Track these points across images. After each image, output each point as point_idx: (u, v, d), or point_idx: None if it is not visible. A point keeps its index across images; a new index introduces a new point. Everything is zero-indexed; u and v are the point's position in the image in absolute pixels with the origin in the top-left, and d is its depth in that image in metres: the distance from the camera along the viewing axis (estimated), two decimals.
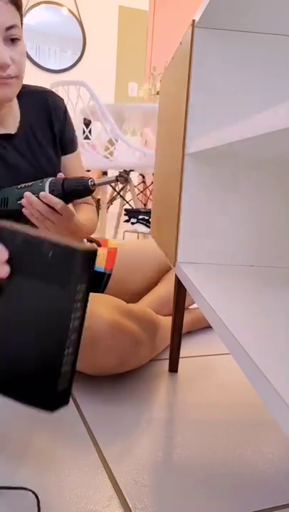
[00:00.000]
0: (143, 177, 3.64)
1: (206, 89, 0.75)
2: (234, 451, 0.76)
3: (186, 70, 0.74)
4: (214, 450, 0.76)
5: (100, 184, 0.94)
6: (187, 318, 1.23)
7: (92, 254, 0.59)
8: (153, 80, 3.18)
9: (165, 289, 1.21)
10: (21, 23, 0.87)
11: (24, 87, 0.96)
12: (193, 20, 0.72)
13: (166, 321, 1.13)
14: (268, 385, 0.35)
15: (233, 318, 0.50)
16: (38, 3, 4.23)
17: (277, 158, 0.78)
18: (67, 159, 1.10)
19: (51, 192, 0.87)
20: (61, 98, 1.08)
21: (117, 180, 0.94)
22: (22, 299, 0.63)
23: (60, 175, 0.90)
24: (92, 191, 0.90)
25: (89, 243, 1.21)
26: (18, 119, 1.00)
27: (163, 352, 1.12)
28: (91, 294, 0.99)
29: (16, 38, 0.84)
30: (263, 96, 0.76)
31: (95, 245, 1.03)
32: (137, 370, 1.02)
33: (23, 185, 0.91)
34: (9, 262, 0.63)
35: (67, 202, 0.88)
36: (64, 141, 1.08)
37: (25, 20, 0.90)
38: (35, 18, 4.24)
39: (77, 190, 0.88)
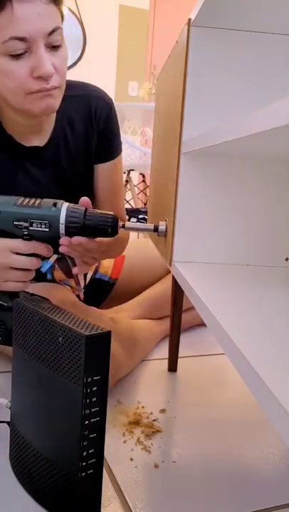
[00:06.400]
0: (143, 176, 3.63)
1: (202, 87, 0.75)
2: (234, 451, 0.76)
3: (182, 69, 0.74)
4: (214, 450, 0.76)
5: (131, 229, 0.78)
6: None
7: (104, 339, 0.54)
8: (153, 79, 3.18)
9: (161, 288, 1.20)
10: (62, 19, 0.76)
11: (67, 86, 0.82)
12: (189, 19, 0.71)
13: (147, 331, 1.12)
14: (262, 384, 0.35)
15: (228, 317, 0.50)
16: None
17: (274, 157, 0.77)
18: (100, 167, 0.96)
19: (69, 223, 0.69)
20: (108, 98, 0.95)
21: (154, 230, 0.78)
22: (38, 387, 0.59)
23: (85, 201, 0.72)
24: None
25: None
26: (52, 128, 0.89)
27: (162, 351, 1.11)
28: (77, 308, 0.94)
29: (58, 45, 0.74)
30: (258, 94, 0.76)
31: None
32: (136, 370, 1.02)
33: (24, 200, 0.70)
34: (26, 343, 0.60)
35: (82, 236, 0.71)
36: (101, 148, 0.95)
37: None
38: None
39: (100, 229, 0.70)
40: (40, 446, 0.59)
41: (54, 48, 0.73)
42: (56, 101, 0.78)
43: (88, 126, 0.92)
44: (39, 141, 0.89)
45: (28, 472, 0.62)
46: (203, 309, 0.55)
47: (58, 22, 0.73)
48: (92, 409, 0.54)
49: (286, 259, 0.82)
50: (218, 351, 1.15)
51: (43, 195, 0.73)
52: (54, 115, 0.89)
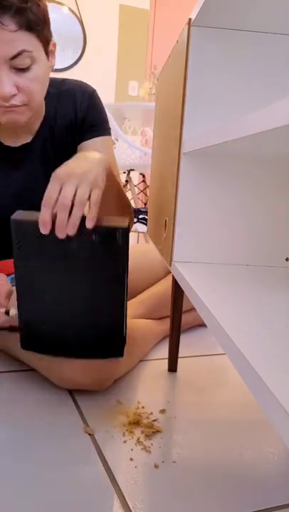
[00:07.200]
0: (143, 176, 3.63)
1: (202, 87, 0.75)
2: (234, 451, 0.76)
3: (183, 69, 0.74)
4: (214, 450, 0.76)
5: None
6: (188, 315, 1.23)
7: (127, 229, 0.73)
8: (154, 79, 3.18)
9: (161, 288, 1.20)
10: (47, 41, 0.82)
11: (59, 84, 0.96)
12: (190, 19, 0.71)
13: (146, 330, 1.12)
14: (262, 384, 0.35)
15: (228, 317, 0.50)
16: None
17: (273, 157, 0.77)
18: (83, 145, 0.99)
19: None
20: (89, 86, 1.01)
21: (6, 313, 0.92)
22: (72, 281, 0.76)
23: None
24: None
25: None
26: (39, 124, 0.96)
27: (162, 351, 1.11)
28: None
29: (25, 67, 0.78)
30: (259, 94, 0.76)
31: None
32: (136, 370, 1.02)
33: None
34: (42, 254, 0.73)
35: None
36: (84, 127, 0.99)
37: None
38: None
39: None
40: (83, 315, 0.79)
41: (21, 69, 0.79)
42: (21, 116, 0.84)
43: (74, 113, 0.99)
44: (27, 138, 0.97)
45: (62, 338, 0.81)
46: (203, 309, 0.55)
47: (25, 46, 0.77)
48: (127, 275, 0.76)
49: (286, 259, 0.82)
50: (218, 351, 1.15)
51: (37, 186, 0.82)
52: (42, 113, 0.97)
